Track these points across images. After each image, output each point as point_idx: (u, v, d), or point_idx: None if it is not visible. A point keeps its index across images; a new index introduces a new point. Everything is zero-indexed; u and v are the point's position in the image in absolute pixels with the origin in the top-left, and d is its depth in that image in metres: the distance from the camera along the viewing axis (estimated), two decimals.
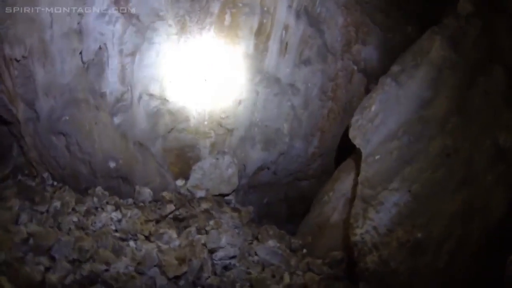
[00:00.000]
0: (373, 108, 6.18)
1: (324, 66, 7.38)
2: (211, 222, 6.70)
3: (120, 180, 6.53)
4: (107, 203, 6.21)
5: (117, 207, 6.20)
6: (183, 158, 7.38)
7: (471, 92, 5.44)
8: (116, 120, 6.54)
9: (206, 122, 7.21)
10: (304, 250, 6.69)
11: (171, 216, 6.51)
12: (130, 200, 6.54)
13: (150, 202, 6.65)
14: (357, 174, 6.59)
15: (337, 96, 7.59)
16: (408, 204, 5.30)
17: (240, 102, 7.22)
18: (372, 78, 7.48)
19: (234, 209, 7.30)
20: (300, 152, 7.81)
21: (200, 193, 7.30)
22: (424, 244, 5.03)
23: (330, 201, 6.95)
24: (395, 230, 5.30)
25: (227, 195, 7.51)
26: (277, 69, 7.20)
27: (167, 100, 6.86)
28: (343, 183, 6.87)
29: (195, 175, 7.34)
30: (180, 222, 6.54)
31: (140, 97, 6.68)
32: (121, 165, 6.46)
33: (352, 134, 6.35)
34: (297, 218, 8.28)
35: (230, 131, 7.40)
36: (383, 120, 6.01)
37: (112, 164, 6.27)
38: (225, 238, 5.97)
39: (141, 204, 6.52)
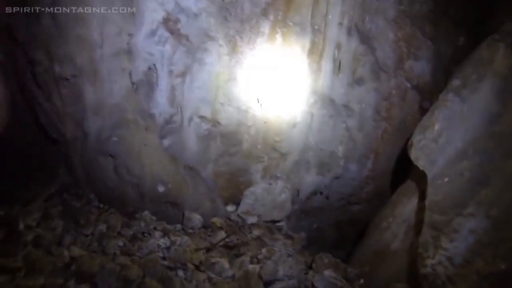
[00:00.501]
0: (436, 127, 5.61)
1: (377, 84, 6.86)
2: (264, 250, 6.22)
3: (168, 205, 6.15)
4: (155, 228, 5.83)
5: (165, 233, 5.81)
6: (234, 182, 6.94)
7: None
8: (166, 142, 6.22)
9: (259, 146, 6.78)
10: (362, 281, 6.06)
11: (222, 243, 6.04)
12: (179, 226, 6.15)
13: (199, 228, 6.24)
14: (421, 198, 6.03)
15: (391, 116, 7.03)
16: (488, 231, 4.57)
17: (294, 125, 6.76)
18: (425, 94, 7.00)
19: (287, 236, 6.78)
20: (354, 175, 7.25)
21: (252, 219, 6.82)
22: (509, 276, 4.33)
23: (389, 227, 6.35)
24: (474, 261, 4.57)
25: (279, 221, 7.04)
26: (332, 89, 6.72)
27: (219, 123, 6.48)
28: (404, 208, 6.25)
29: (247, 201, 6.88)
30: (231, 250, 6.05)
31: (190, 119, 6.33)
32: (170, 190, 6.10)
33: (414, 155, 5.79)
34: (346, 243, 7.86)
35: (283, 155, 6.92)
36: (448, 139, 5.41)
37: (161, 188, 5.93)
38: (282, 269, 5.42)
39: (190, 230, 6.10)
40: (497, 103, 5.11)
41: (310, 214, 7.66)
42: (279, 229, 7.03)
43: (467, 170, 5.02)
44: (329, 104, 6.77)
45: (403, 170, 7.19)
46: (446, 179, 5.23)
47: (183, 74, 6.11)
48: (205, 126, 6.43)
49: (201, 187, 6.41)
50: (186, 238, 5.76)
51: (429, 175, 5.46)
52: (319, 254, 6.37)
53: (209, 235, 6.10)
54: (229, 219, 6.82)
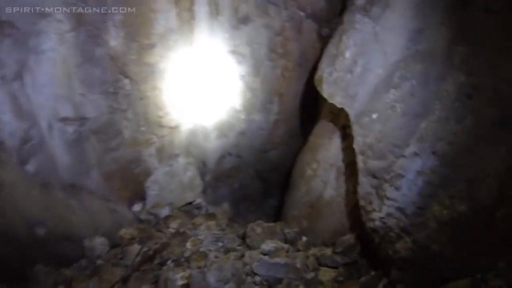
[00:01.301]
0: (347, 55, 4.54)
1: (267, 20, 5.57)
2: (188, 245, 5.13)
3: (61, 245, 4.56)
4: (56, 283, 4.27)
5: (68, 284, 4.32)
6: (131, 177, 5.49)
7: (469, 13, 3.85)
8: (30, 168, 4.41)
9: (143, 128, 5.32)
10: (304, 238, 5.27)
11: (138, 259, 4.70)
12: (84, 262, 4.63)
13: (108, 252, 4.82)
14: (344, 137, 5.21)
15: (288, 51, 5.86)
16: (438, 170, 3.76)
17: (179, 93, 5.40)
18: (322, 22, 5.91)
19: (208, 216, 5.69)
20: (261, 124, 6.15)
21: (164, 211, 5.58)
22: (471, 217, 3.61)
23: (316, 174, 5.50)
24: (429, 206, 3.79)
25: (195, 201, 5.94)
26: (212, 36, 5.32)
27: (86, 118, 4.84)
28: (328, 152, 5.32)
29: (151, 192, 5.55)
30: (152, 262, 4.80)
31: (50, 127, 4.59)
32: (52, 226, 4.45)
33: (327, 91, 4.75)
34: (274, 190, 7.03)
35: (174, 128, 5.58)
36: (365, 67, 4.39)
37: (41, 231, 4.26)
38: (212, 277, 4.27)
39: (99, 261, 4.64)
40: (415, 18, 4.09)
41: (227, 177, 6.59)
42: (199, 207, 5.95)
43: (398, 101, 4.07)
44: (212, 54, 5.40)
45: (314, 107, 6.36)
46: (374, 115, 4.26)
47: (19, 75, 4.23)
48: (70, 128, 4.75)
49: (92, 202, 4.91)
50: (92, 282, 4.27)
51: (352, 112, 4.49)
52: (249, 225, 5.47)
53: (121, 258, 4.72)
54: (140, 221, 5.50)
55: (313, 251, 5.01)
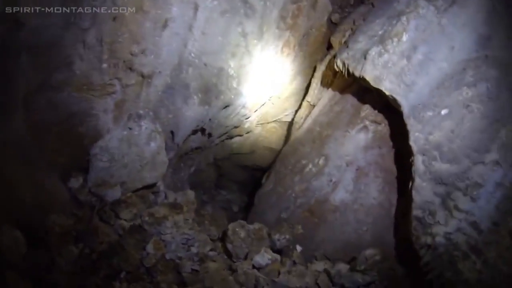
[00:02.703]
0: (404, 38, 3.37)
1: None
2: (149, 248, 3.30)
3: None
4: None
5: None
6: (72, 137, 3.34)
7: None
8: None
9: (104, 65, 3.22)
10: (299, 248, 3.80)
11: (68, 269, 2.73)
12: None
13: (25, 256, 2.60)
14: (369, 132, 3.89)
15: (297, 25, 4.38)
16: None
17: (165, 24, 3.37)
18: (335, 6, 4.75)
19: (172, 206, 3.82)
20: (245, 100, 4.46)
21: (113, 193, 3.45)
22: None
23: (322, 172, 4.02)
24: (505, 222, 2.88)
25: (155, 184, 4.01)
26: None
27: (21, 23, 2.59)
28: (342, 146, 3.96)
29: (98, 164, 3.38)
30: (96, 274, 2.86)
31: None
32: None
33: (373, 74, 3.44)
34: (227, 181, 5.77)
35: (146, 77, 3.55)
36: (428, 56, 3.31)
37: None
38: None
39: (8, 272, 2.36)
40: (485, 24, 3.25)
41: (187, 158, 4.75)
42: (156, 193, 4.03)
43: (474, 101, 3.08)
44: None
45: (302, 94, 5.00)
46: (444, 111, 3.16)
47: None
48: None
49: (6, 165, 2.70)
50: None
51: (404, 103, 3.32)
52: (230, 225, 3.76)
53: (46, 266, 2.63)
54: (78, 204, 3.30)
55: (317, 265, 3.56)
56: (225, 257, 3.61)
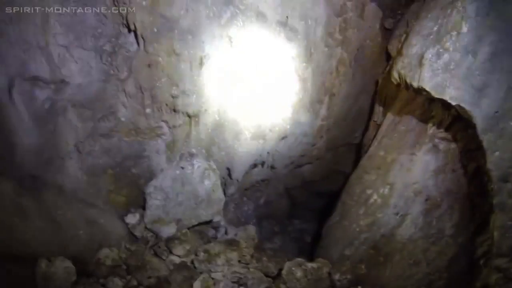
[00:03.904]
0: (465, 28, 2.58)
1: None
2: (196, 285, 3.11)
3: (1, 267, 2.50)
4: None
5: None
6: (127, 178, 3.46)
7: None
8: None
9: (148, 110, 3.28)
10: None
11: None
12: None
13: (74, 285, 2.74)
14: (439, 154, 3.26)
15: (347, 39, 3.88)
16: None
17: (203, 60, 3.26)
18: (386, 10, 4.05)
19: (229, 243, 3.63)
20: (306, 128, 4.07)
21: (168, 230, 3.45)
22: None
23: (387, 203, 3.35)
24: None
25: (212, 220, 3.83)
26: None
27: (66, 83, 2.84)
28: (410, 173, 3.22)
29: (154, 202, 3.43)
30: None
31: (11, 87, 2.69)
32: None
33: (432, 82, 2.73)
34: (301, 210, 5.21)
35: (192, 117, 3.49)
36: (499, 46, 2.47)
37: None
38: None
39: None
40: None
41: (253, 191, 4.53)
42: (216, 228, 3.96)
43: None
44: (257, 20, 3.36)
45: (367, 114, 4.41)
46: None
47: None
48: (41, 94, 2.81)
49: (59, 207, 2.87)
50: None
51: (477, 113, 2.52)
52: (286, 264, 3.47)
53: None
54: (133, 238, 3.40)
55: None
56: None
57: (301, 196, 5.16)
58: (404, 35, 3.60)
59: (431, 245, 3.03)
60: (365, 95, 4.38)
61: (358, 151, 4.50)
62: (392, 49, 3.93)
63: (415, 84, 2.93)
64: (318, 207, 5.05)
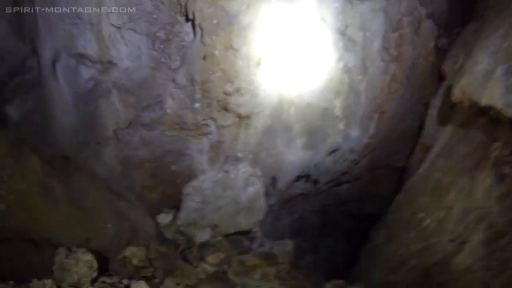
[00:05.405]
0: None
1: (385, 3, 3.28)
2: None
3: (18, 252, 2.25)
4: None
5: None
6: (164, 175, 3.06)
7: None
8: (12, 112, 2.34)
9: (197, 104, 2.92)
10: None
11: None
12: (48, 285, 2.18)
13: (93, 282, 2.40)
14: (503, 179, 2.80)
15: (402, 55, 3.48)
16: None
17: (260, 63, 2.95)
18: (441, 29, 3.63)
19: (265, 256, 3.20)
20: (354, 144, 3.65)
21: (202, 235, 3.07)
22: None
23: (444, 229, 2.96)
24: None
25: (251, 230, 3.46)
26: (320, 2, 3.04)
27: (115, 64, 2.55)
28: (469, 197, 2.73)
29: (191, 204, 3.06)
30: None
31: (55, 62, 2.40)
32: (8, 213, 2.19)
33: (504, 99, 2.34)
34: (334, 228, 4.73)
35: (244, 118, 3.12)
36: None
37: None
38: None
39: None
40: None
41: (290, 205, 4.17)
42: (252, 239, 3.55)
43: None
44: (317, 26, 3.05)
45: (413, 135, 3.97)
46: None
47: None
48: (87, 72, 2.52)
49: (89, 194, 2.57)
50: None
51: None
52: (327, 285, 3.01)
53: None
54: (163, 239, 3.04)
55: None
56: None
57: (333, 215, 4.71)
58: (463, 55, 3.27)
59: (493, 278, 2.57)
60: (412, 115, 3.97)
61: (401, 173, 4.04)
62: (447, 69, 3.54)
63: (482, 102, 2.56)
64: (349, 228, 4.58)
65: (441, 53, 3.74)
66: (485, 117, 2.79)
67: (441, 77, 3.68)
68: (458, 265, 2.70)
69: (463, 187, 2.91)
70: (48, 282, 2.22)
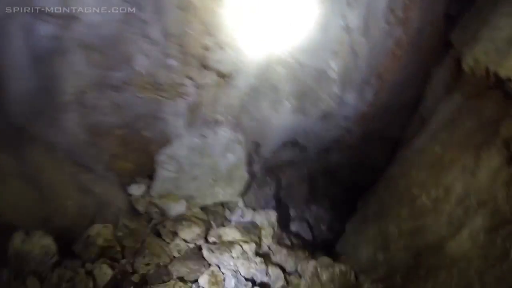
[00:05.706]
0: None
1: None
2: (202, 281, 2.41)
3: None
4: None
5: None
6: (136, 141, 2.71)
7: None
8: None
9: (171, 61, 2.51)
10: None
11: None
12: (3, 277, 1.89)
13: (52, 267, 2.07)
14: None
15: (408, 20, 3.10)
16: None
17: (244, 14, 2.51)
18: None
19: (246, 229, 2.98)
20: (349, 111, 3.33)
21: (177, 207, 2.80)
22: None
23: (441, 209, 2.78)
24: None
25: (229, 201, 3.24)
26: None
27: (76, 18, 2.08)
28: (472, 177, 2.47)
29: (164, 173, 2.77)
30: None
31: (9, 17, 1.95)
32: None
33: None
34: (318, 196, 4.44)
35: (225, 76, 2.75)
36: None
37: None
38: None
39: (28, 281, 1.95)
40: None
41: (276, 172, 3.88)
42: (232, 210, 3.32)
43: None
44: None
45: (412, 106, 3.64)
46: None
47: None
48: (46, 28, 2.07)
49: (47, 169, 2.22)
50: None
51: None
52: (310, 263, 2.76)
53: (72, 285, 2.03)
54: (135, 213, 2.75)
55: None
56: None
57: (321, 182, 4.48)
58: (477, 21, 2.88)
59: (490, 268, 2.37)
60: (414, 85, 3.62)
61: (396, 145, 3.75)
62: (456, 37, 3.16)
63: (502, 73, 2.23)
64: (336, 196, 4.39)
65: (450, 21, 3.36)
66: (499, 89, 2.48)
67: (447, 46, 3.30)
68: (453, 250, 2.49)
69: (466, 165, 2.63)
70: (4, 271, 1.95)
